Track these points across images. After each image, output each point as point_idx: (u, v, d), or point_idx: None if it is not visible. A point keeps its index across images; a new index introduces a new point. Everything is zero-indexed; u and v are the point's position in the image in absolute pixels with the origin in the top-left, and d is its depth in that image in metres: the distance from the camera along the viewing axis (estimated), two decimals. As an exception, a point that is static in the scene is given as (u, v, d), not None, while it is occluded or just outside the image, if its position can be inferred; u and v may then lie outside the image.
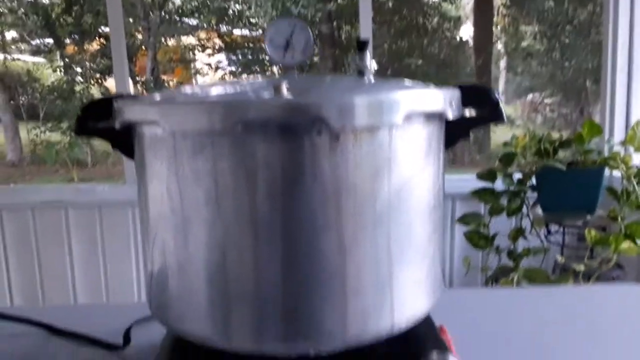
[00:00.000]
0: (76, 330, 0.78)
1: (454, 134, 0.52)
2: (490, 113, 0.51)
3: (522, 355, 0.70)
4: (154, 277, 0.49)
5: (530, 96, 7.04)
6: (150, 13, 6.80)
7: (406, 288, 0.47)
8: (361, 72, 0.53)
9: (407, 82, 0.51)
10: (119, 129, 0.48)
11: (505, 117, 0.52)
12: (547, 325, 0.79)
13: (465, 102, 0.51)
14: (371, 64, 0.53)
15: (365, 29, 2.24)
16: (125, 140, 0.50)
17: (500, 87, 8.01)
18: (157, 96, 0.49)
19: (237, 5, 6.79)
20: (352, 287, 0.44)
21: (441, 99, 0.45)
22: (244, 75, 7.13)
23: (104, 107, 0.51)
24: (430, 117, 0.46)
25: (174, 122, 0.42)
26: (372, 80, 0.51)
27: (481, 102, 0.52)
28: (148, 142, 0.46)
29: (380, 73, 6.31)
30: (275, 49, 0.52)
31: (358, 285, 0.44)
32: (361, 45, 0.53)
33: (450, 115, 0.46)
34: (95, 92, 7.01)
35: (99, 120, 0.52)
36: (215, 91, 0.49)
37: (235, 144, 0.41)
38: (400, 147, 0.44)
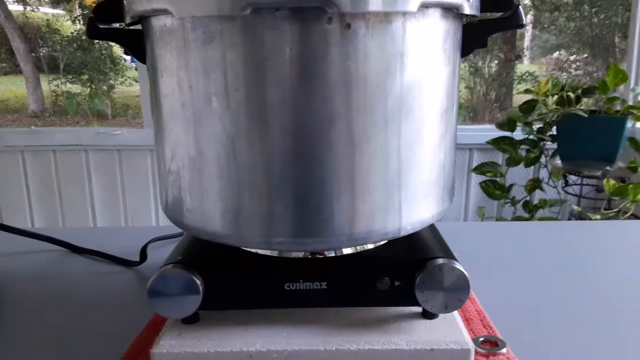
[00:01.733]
0: (94, 248, 0.81)
1: (471, 40, 0.51)
2: (509, 16, 0.50)
3: (534, 284, 0.70)
4: (167, 176, 0.50)
5: (556, 54, 6.82)
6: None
7: (415, 189, 0.47)
8: None
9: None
10: (130, 24, 0.47)
11: (524, 21, 0.50)
12: (559, 255, 0.80)
13: (484, 6, 0.49)
14: None
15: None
16: (137, 42, 0.50)
17: (526, 43, 7.76)
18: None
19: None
20: (360, 184, 0.44)
21: (458, -8, 0.44)
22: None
23: (115, 5, 0.51)
24: (447, 10, 0.44)
25: (183, 8, 0.41)
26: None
27: (500, 5, 0.50)
28: (158, 35, 0.45)
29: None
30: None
31: (367, 182, 0.44)
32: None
33: (468, 10, 0.45)
34: (114, 44, 7.00)
35: (110, 22, 0.52)
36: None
37: (244, 31, 0.40)
38: (414, 40, 0.43)
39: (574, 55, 6.29)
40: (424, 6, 0.41)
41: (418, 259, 0.49)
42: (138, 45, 0.51)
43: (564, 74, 6.55)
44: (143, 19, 0.47)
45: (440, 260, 0.48)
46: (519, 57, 6.83)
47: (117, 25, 0.52)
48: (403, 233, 0.47)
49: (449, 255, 0.49)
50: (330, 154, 0.43)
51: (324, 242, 0.45)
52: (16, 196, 2.21)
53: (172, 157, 0.49)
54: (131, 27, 0.51)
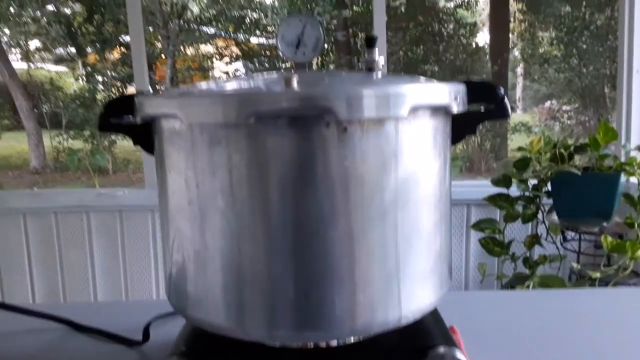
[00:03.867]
0: (96, 326, 0.81)
1: (461, 129, 0.54)
2: (496, 108, 0.53)
3: (534, 357, 0.70)
4: (172, 266, 0.51)
5: (547, 103, 6.97)
6: (169, 22, 6.92)
7: (413, 279, 0.48)
8: (370, 68, 0.54)
9: (414, 77, 0.52)
10: (140, 123, 0.50)
11: (509, 112, 0.54)
12: (561, 327, 0.80)
13: (471, 97, 0.52)
14: (379, 60, 0.55)
15: (380, 36, 2.26)
16: (146, 136, 0.53)
17: (518, 94, 7.96)
18: (176, 90, 0.51)
19: (254, 14, 6.88)
20: (360, 277, 0.46)
21: (446, 93, 0.47)
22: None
23: (126, 103, 0.54)
24: (436, 110, 0.47)
25: (192, 115, 0.44)
26: (380, 75, 0.53)
27: (487, 97, 0.54)
28: (167, 135, 0.48)
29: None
30: (287, 46, 0.54)
31: (366, 275, 0.46)
32: (370, 42, 0.55)
33: (456, 109, 0.48)
34: (116, 100, 7.15)
35: (121, 117, 0.55)
36: (230, 85, 0.51)
37: (249, 136, 0.43)
38: (406, 140, 0.45)
39: (566, 106, 6.44)
40: (415, 109, 0.44)
41: (420, 348, 0.49)
42: (147, 139, 0.54)
43: (557, 123, 6.69)
44: (153, 119, 0.50)
45: (442, 349, 0.49)
46: (512, 109, 6.97)
47: (127, 120, 0.55)
48: (404, 322, 0.48)
49: (450, 342, 0.50)
50: (330, 249, 0.45)
51: (326, 334, 0.46)
52: (17, 260, 2.21)
53: (177, 249, 0.50)
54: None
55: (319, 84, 0.47)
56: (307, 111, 0.42)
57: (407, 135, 0.45)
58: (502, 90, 0.53)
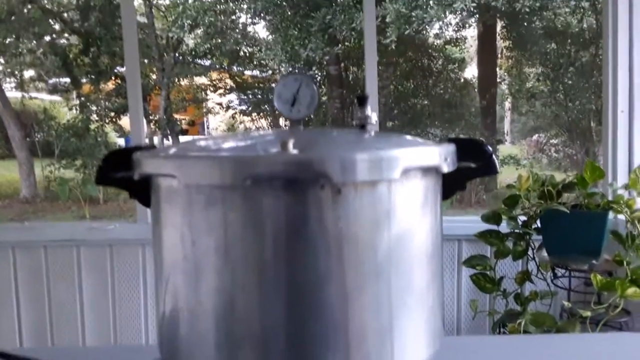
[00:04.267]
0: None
1: (451, 185, 0.55)
2: (484, 165, 0.55)
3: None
4: (165, 320, 0.52)
5: (535, 136, 7.09)
6: (165, 54, 7.02)
7: (406, 336, 0.49)
8: (362, 126, 0.56)
9: (406, 137, 0.54)
10: (137, 180, 0.51)
11: (498, 169, 0.56)
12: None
13: (460, 154, 0.54)
14: (372, 118, 0.57)
15: (371, 71, 2.30)
16: (143, 190, 0.54)
17: (506, 127, 8.08)
18: (173, 149, 0.53)
19: (248, 48, 7.01)
20: (354, 335, 0.46)
21: (437, 155, 0.49)
22: (254, 126, 7.25)
23: (123, 157, 0.55)
24: (427, 171, 0.49)
25: (189, 176, 0.45)
26: (373, 134, 0.55)
27: (475, 155, 0.55)
28: (164, 193, 0.49)
29: (386, 114, 6.41)
30: (283, 104, 0.56)
31: (360, 332, 0.47)
32: (361, 100, 0.57)
33: (446, 169, 0.50)
34: (109, 131, 7.17)
35: (118, 170, 0.56)
36: (227, 144, 0.52)
37: (245, 196, 0.44)
38: (398, 200, 0.47)
39: (553, 139, 6.56)
40: (406, 171, 0.46)
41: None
42: (144, 193, 0.55)
43: (544, 156, 6.79)
44: (151, 177, 0.51)
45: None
46: (500, 142, 7.10)
47: (124, 174, 0.56)
48: (396, 378, 0.49)
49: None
50: (324, 308, 0.45)
51: (319, 391, 0.47)
52: (4, 293, 2.18)
53: (171, 303, 0.51)
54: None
55: (314, 146, 0.49)
56: (303, 175, 0.43)
57: (400, 195, 0.47)
58: (489, 148, 0.55)
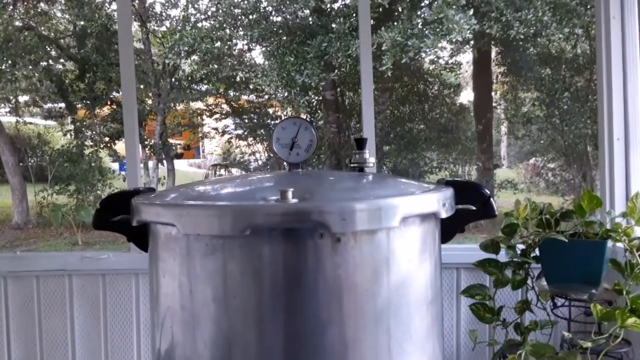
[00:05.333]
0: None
1: (450, 228, 0.55)
2: (482, 208, 0.55)
3: None
4: (161, 369, 0.50)
5: (532, 160, 7.13)
6: (161, 80, 7.06)
7: (407, 383, 0.48)
8: (361, 169, 0.56)
9: (402, 180, 0.54)
10: (135, 226, 0.51)
11: (496, 212, 0.55)
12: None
13: (458, 197, 0.54)
14: (370, 160, 0.56)
15: (367, 96, 2.30)
16: (140, 235, 0.53)
17: (502, 151, 8.13)
18: (172, 194, 0.52)
19: (244, 74, 7.06)
20: (354, 384, 0.45)
21: (435, 201, 0.48)
22: (250, 151, 7.25)
23: (121, 201, 0.54)
24: (425, 217, 0.49)
25: (188, 226, 0.45)
26: (371, 178, 0.55)
27: (473, 198, 0.55)
28: (163, 240, 0.49)
29: (382, 138, 6.44)
30: (282, 148, 0.56)
31: (360, 381, 0.46)
32: (360, 143, 0.57)
33: (444, 215, 0.49)
34: (104, 156, 7.16)
35: (116, 214, 0.55)
36: (226, 190, 0.52)
37: (244, 246, 0.44)
38: (397, 247, 0.46)
39: (550, 164, 6.59)
40: (405, 219, 0.46)
41: None
42: (142, 238, 0.54)
43: (541, 180, 6.81)
44: (149, 223, 0.51)
45: None
46: (497, 166, 7.13)
47: (122, 218, 0.56)
48: None
49: None
50: (323, 357, 0.44)
51: None
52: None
53: (167, 353, 0.50)
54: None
55: (313, 193, 0.49)
56: (302, 225, 0.43)
57: (398, 242, 0.46)
58: (487, 191, 0.55)
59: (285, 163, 0.54)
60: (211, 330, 0.43)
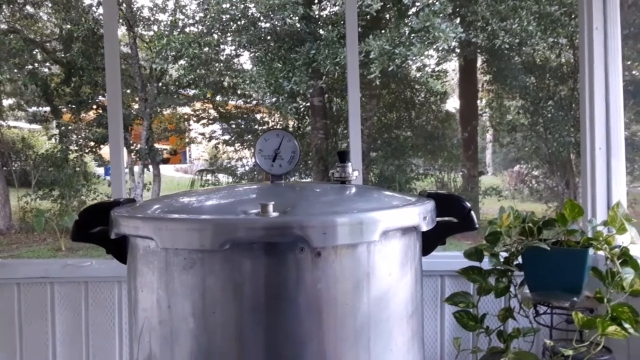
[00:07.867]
0: None
1: (431, 241, 0.56)
2: (463, 221, 0.55)
3: None
4: (140, 384, 0.50)
5: (516, 167, 7.20)
6: (148, 85, 7.02)
7: (387, 397, 0.48)
8: (343, 182, 0.56)
9: (385, 192, 0.54)
10: (114, 238, 0.50)
11: (476, 225, 0.56)
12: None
13: (440, 209, 0.54)
14: (352, 174, 0.57)
15: (354, 103, 2.30)
16: (119, 248, 0.53)
17: (487, 158, 8.20)
18: (154, 206, 0.52)
19: (232, 79, 7.04)
20: (333, 398, 0.45)
21: (415, 214, 0.49)
22: (237, 156, 7.22)
23: (100, 212, 0.54)
24: (406, 230, 0.49)
25: (167, 240, 0.44)
26: (354, 191, 0.55)
27: (454, 211, 0.56)
28: (141, 253, 0.48)
29: (370, 144, 6.47)
30: (265, 159, 0.56)
31: (339, 395, 0.45)
32: (342, 156, 0.57)
33: (425, 228, 0.50)
34: (89, 161, 7.08)
35: (96, 226, 0.55)
36: (207, 203, 0.52)
37: (223, 260, 0.43)
38: (378, 260, 0.46)
39: (534, 171, 6.66)
40: (386, 232, 0.46)
41: None
42: (121, 251, 0.54)
43: (526, 187, 6.88)
44: (128, 236, 0.50)
45: None
46: (482, 174, 7.21)
47: (101, 230, 0.55)
48: None
49: None
50: (303, 372, 0.44)
51: None
52: (-27, 334, 2.10)
53: (147, 367, 0.49)
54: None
55: (294, 206, 0.49)
56: (282, 239, 0.43)
57: (379, 255, 0.47)
58: (468, 204, 0.55)
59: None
60: (190, 346, 0.43)
